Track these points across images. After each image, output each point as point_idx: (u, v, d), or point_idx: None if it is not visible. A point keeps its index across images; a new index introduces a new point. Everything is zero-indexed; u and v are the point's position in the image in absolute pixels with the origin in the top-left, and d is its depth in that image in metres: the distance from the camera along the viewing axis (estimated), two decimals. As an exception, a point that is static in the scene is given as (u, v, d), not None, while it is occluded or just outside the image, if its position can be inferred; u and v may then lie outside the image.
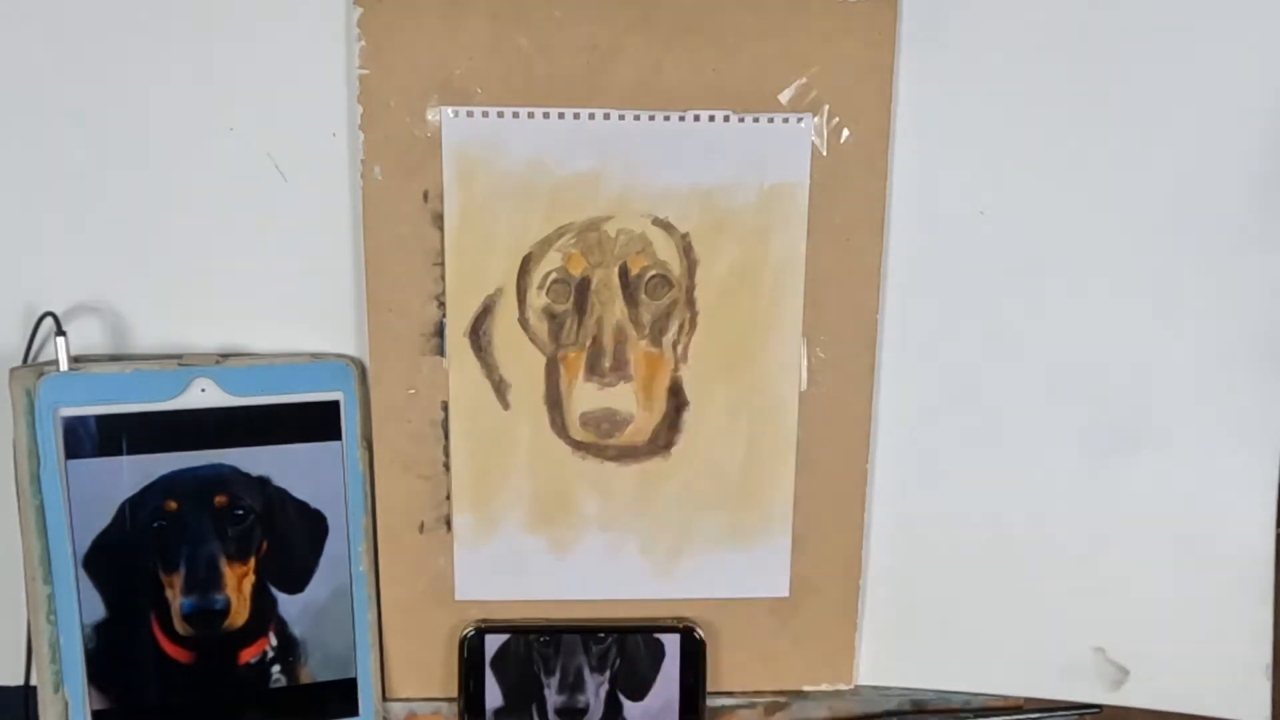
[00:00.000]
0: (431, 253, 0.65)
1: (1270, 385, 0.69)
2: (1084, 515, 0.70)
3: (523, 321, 0.66)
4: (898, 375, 0.69)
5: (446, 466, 0.67)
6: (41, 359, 0.65)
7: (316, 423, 0.66)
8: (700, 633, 0.70)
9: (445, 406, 0.67)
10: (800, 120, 0.64)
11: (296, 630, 0.68)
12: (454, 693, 0.70)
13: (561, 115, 0.63)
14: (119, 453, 0.64)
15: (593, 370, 0.67)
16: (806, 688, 0.72)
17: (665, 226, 0.65)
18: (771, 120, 0.64)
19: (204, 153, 0.64)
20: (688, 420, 0.68)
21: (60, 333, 0.63)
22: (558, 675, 0.70)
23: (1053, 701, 0.72)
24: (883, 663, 0.72)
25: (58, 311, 0.64)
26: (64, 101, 0.63)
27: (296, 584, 0.67)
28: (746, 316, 0.66)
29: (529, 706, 0.70)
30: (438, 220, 0.64)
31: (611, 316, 0.66)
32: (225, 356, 0.66)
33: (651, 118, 0.64)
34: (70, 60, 0.62)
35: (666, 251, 0.66)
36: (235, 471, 0.65)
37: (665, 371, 0.67)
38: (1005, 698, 0.73)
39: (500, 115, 0.63)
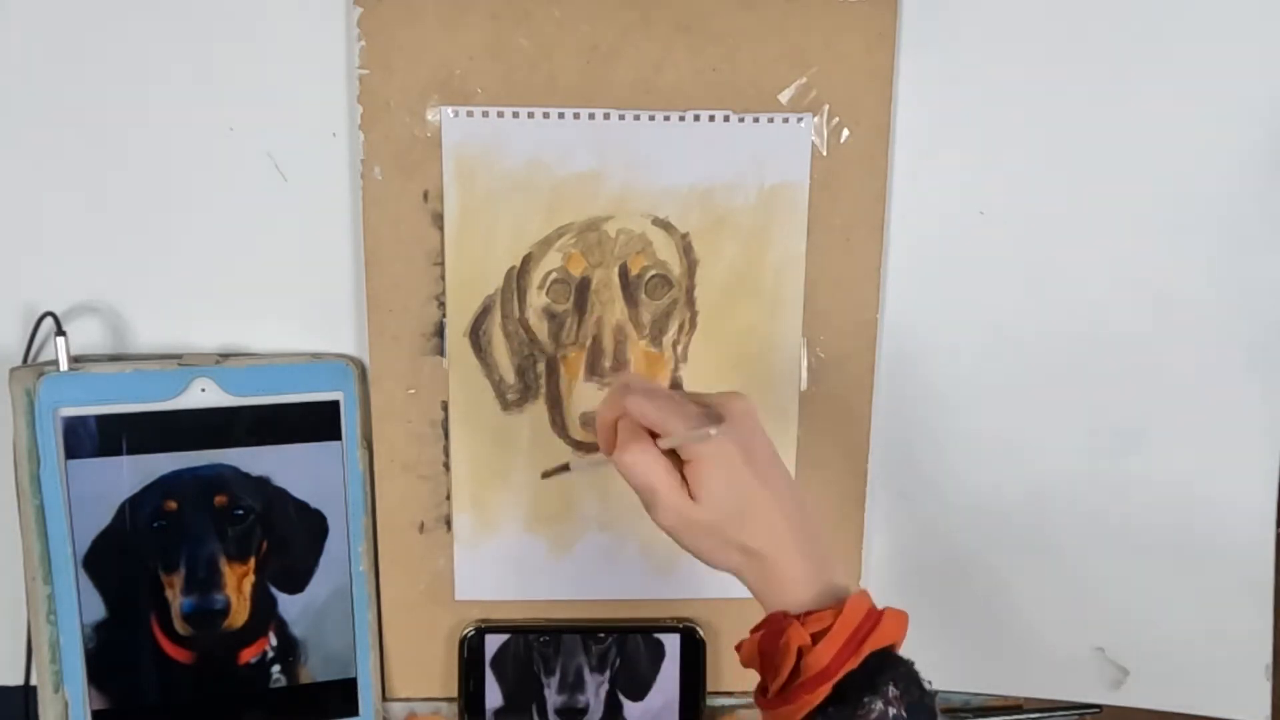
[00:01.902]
0: (431, 253, 0.65)
1: (1270, 385, 0.69)
2: (1084, 515, 0.70)
3: (523, 321, 0.66)
4: (898, 376, 0.69)
5: (446, 466, 0.67)
6: (41, 359, 0.65)
7: (316, 423, 0.66)
8: (700, 633, 0.70)
9: (445, 406, 0.67)
10: (800, 120, 0.64)
11: (296, 630, 0.68)
12: (454, 693, 0.70)
13: (561, 115, 0.63)
14: (119, 453, 0.64)
15: (593, 370, 0.67)
16: (806, 688, 0.72)
17: (665, 226, 0.65)
18: (771, 120, 0.64)
19: (204, 153, 0.64)
20: (688, 420, 0.68)
21: (60, 333, 0.63)
22: (558, 675, 0.70)
23: (1053, 701, 0.72)
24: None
25: (58, 311, 0.64)
26: (64, 101, 0.63)
27: (296, 584, 0.67)
28: (746, 316, 0.66)
29: (529, 706, 0.70)
30: (438, 220, 0.64)
31: (611, 316, 0.66)
32: (225, 356, 0.66)
33: (651, 118, 0.64)
34: (70, 60, 0.62)
35: (666, 251, 0.66)
36: (235, 471, 0.65)
37: (665, 371, 0.67)
38: (1005, 698, 0.73)
39: (500, 115, 0.63)
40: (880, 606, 0.51)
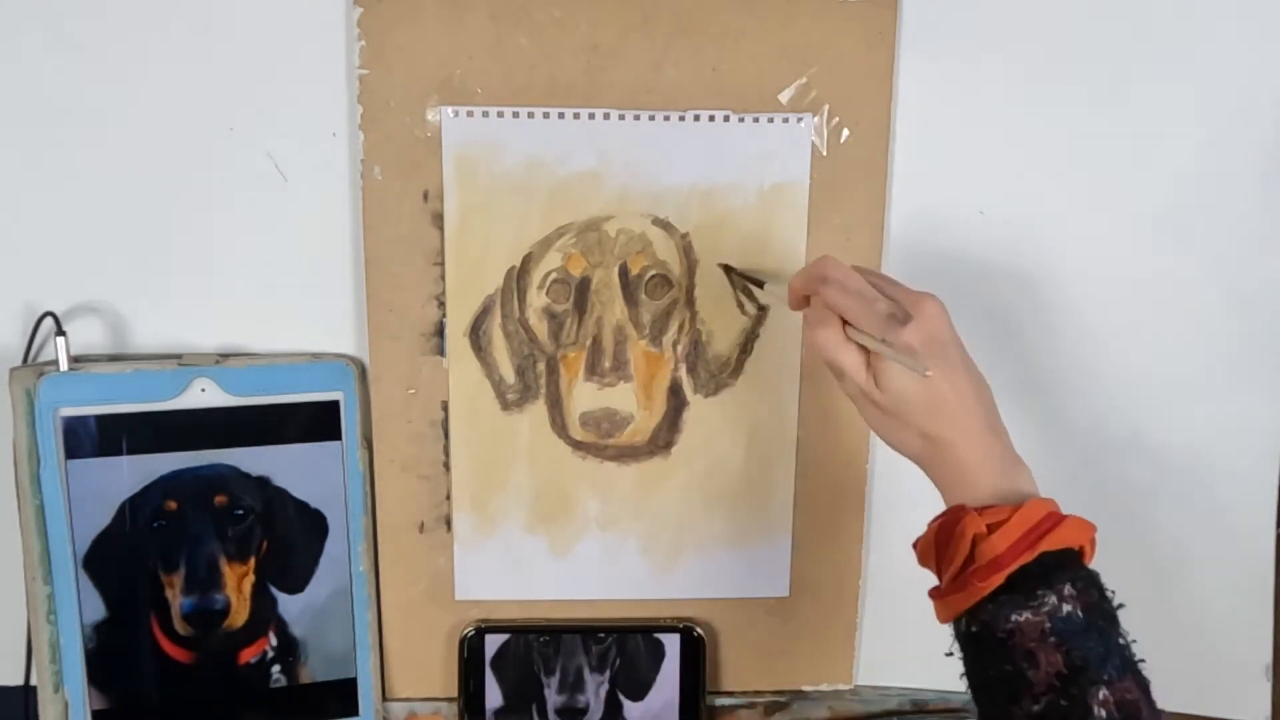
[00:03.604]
0: (431, 253, 0.65)
1: (1270, 385, 0.69)
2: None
3: (523, 321, 0.66)
4: (898, 375, 0.68)
5: (446, 466, 0.67)
6: (41, 359, 0.65)
7: (316, 423, 0.66)
8: (700, 633, 0.70)
9: (445, 406, 0.67)
10: (800, 120, 0.64)
11: (296, 630, 0.68)
12: (454, 693, 0.70)
13: (561, 115, 0.63)
14: (119, 453, 0.64)
15: (593, 370, 0.67)
16: (806, 688, 0.72)
17: (665, 226, 0.65)
18: (771, 120, 0.64)
19: (204, 153, 0.64)
20: (688, 420, 0.68)
21: (60, 333, 0.63)
22: (558, 675, 0.70)
23: (1053, 701, 0.72)
24: (883, 663, 0.72)
25: (58, 311, 0.64)
26: (64, 101, 0.63)
27: (296, 584, 0.67)
28: (746, 317, 0.66)
29: (529, 706, 0.70)
30: (438, 220, 0.64)
31: (611, 316, 0.66)
32: (225, 356, 0.66)
33: (651, 118, 0.64)
34: (70, 60, 0.62)
35: (666, 251, 0.66)
36: (235, 471, 0.65)
37: (665, 371, 0.67)
38: (1005, 698, 0.73)
39: (500, 115, 0.63)
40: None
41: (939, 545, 0.52)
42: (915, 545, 0.54)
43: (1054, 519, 0.50)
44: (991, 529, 0.50)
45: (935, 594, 0.52)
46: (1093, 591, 0.49)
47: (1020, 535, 0.49)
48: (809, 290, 0.55)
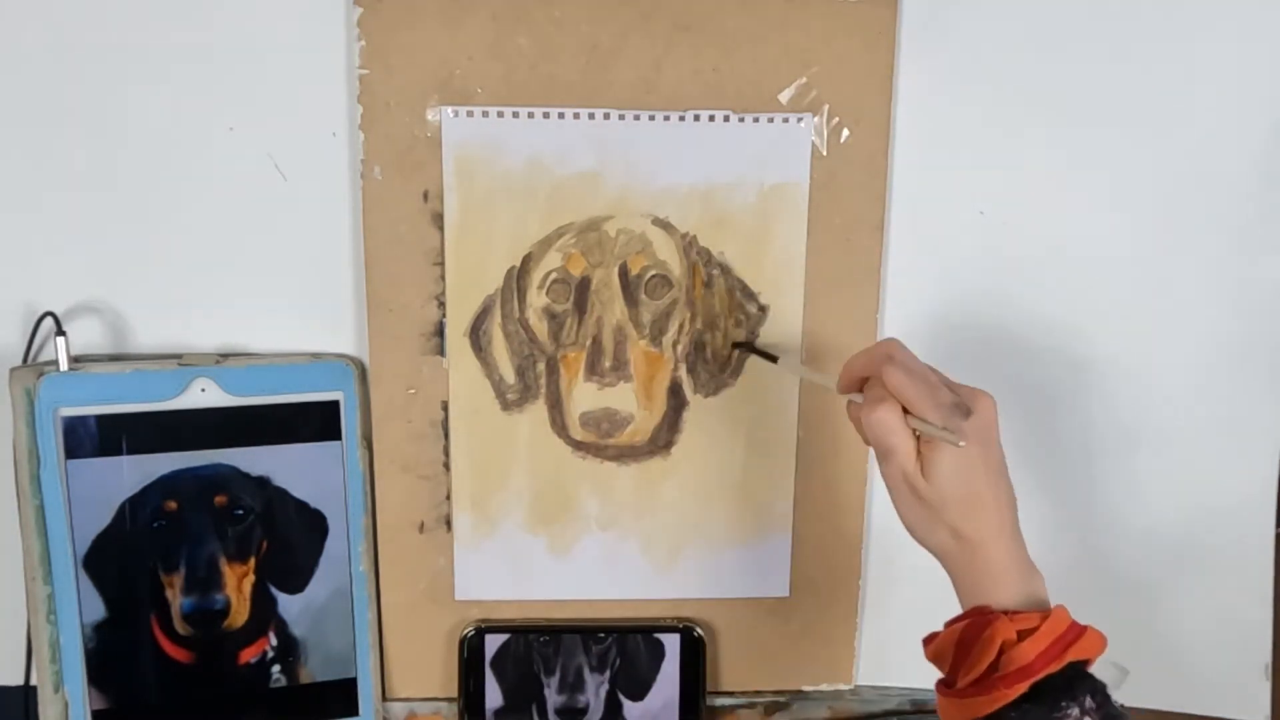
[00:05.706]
0: (431, 253, 0.65)
1: (1270, 385, 0.69)
2: (1084, 515, 0.70)
3: (523, 321, 0.66)
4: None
5: (446, 466, 0.67)
6: (41, 359, 0.65)
7: (316, 423, 0.66)
8: (700, 632, 0.70)
9: (445, 406, 0.67)
10: (800, 120, 0.64)
11: (296, 630, 0.68)
12: (454, 693, 0.70)
13: (561, 115, 0.63)
14: (119, 453, 0.64)
15: (593, 370, 0.67)
16: (806, 688, 0.72)
17: (665, 226, 0.65)
18: (771, 120, 0.64)
19: (204, 153, 0.64)
20: (688, 420, 0.68)
21: (60, 333, 0.63)
22: (558, 675, 0.70)
23: (1053, 701, 0.72)
24: (882, 663, 0.72)
25: (58, 311, 0.64)
26: (64, 102, 0.63)
27: (296, 584, 0.67)
28: (747, 317, 0.66)
29: (529, 706, 0.70)
30: (438, 220, 0.64)
31: (611, 316, 0.66)
32: (225, 356, 0.66)
33: (651, 118, 0.64)
34: (70, 61, 0.62)
35: (666, 251, 0.66)
36: (235, 471, 0.65)
37: (665, 371, 0.67)
38: (1005, 698, 0.73)
39: (500, 115, 0.63)
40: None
41: (960, 646, 0.52)
42: (927, 641, 0.54)
43: (1077, 629, 0.51)
44: (1021, 636, 0.50)
45: (950, 693, 0.52)
46: (1110, 705, 0.50)
47: (1049, 644, 0.50)
48: (871, 371, 0.54)
